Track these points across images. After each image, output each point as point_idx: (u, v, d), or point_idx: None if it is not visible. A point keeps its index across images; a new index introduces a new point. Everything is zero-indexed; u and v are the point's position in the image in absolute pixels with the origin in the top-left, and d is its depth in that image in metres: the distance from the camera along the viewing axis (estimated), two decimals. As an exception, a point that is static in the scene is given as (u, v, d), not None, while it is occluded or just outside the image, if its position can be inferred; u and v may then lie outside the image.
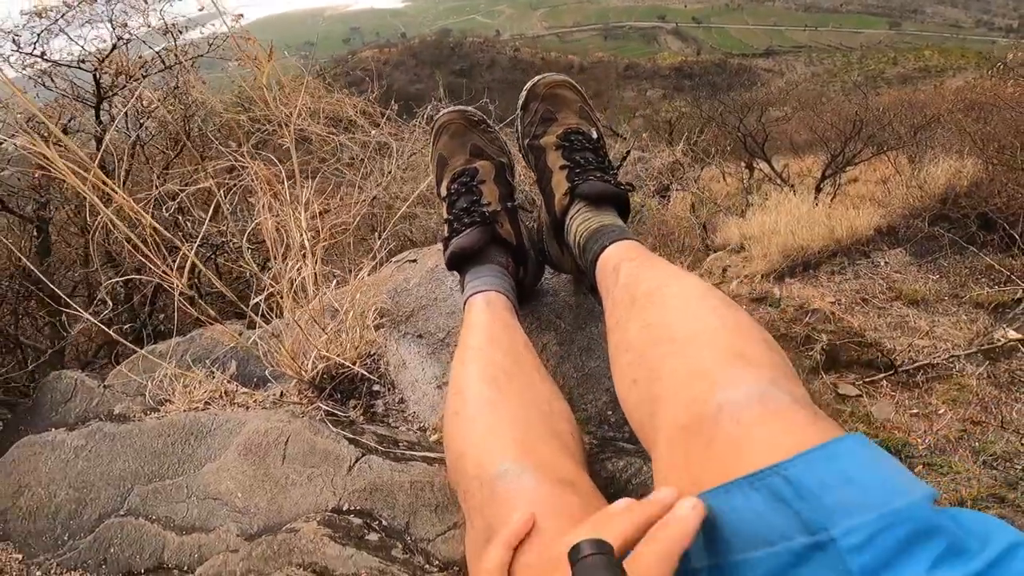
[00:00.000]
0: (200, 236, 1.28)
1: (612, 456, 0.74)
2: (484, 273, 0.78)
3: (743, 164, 6.63)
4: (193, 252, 0.84)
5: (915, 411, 1.95)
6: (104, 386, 1.20)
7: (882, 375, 2.08)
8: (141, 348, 1.16)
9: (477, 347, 0.68)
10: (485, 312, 0.72)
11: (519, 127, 0.86)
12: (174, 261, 0.83)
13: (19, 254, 1.62)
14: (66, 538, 0.96)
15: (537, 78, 0.85)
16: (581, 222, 0.76)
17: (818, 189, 4.63)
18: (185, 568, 0.83)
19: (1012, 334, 2.09)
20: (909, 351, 2.12)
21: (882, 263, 2.62)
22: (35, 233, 1.90)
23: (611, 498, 0.67)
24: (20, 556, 0.97)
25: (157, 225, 0.77)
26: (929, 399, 1.97)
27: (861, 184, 5.10)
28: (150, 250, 0.79)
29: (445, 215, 0.83)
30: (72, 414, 1.19)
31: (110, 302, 1.72)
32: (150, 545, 0.87)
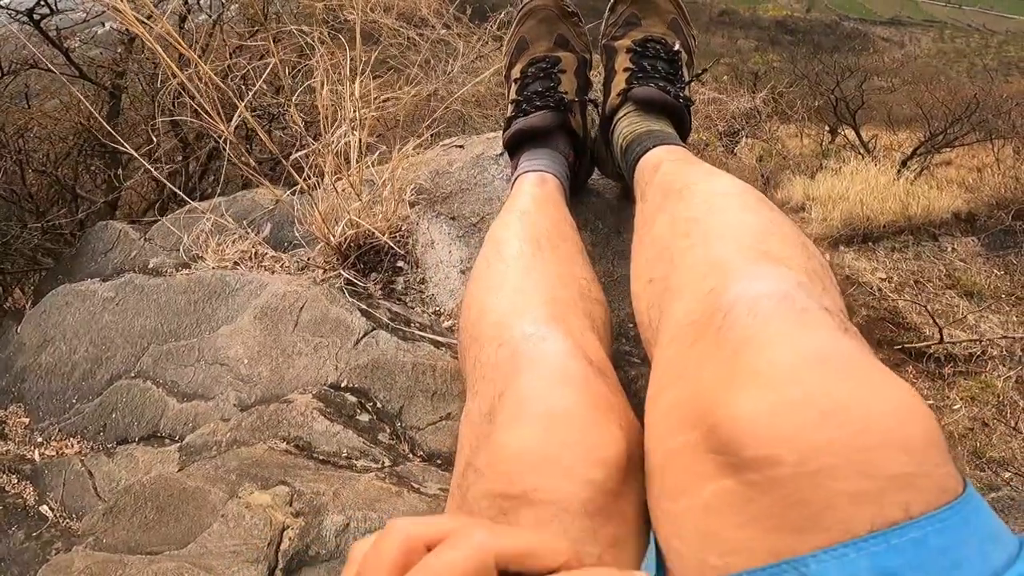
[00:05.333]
0: (259, 107, 1.32)
1: (624, 366, 0.72)
2: (543, 156, 0.76)
3: (827, 127, 6.18)
4: (249, 115, 0.87)
5: (931, 402, 1.90)
6: (145, 239, 1.19)
7: (911, 360, 2.01)
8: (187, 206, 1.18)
9: (524, 210, 0.64)
10: (538, 187, 0.69)
11: (602, 27, 0.84)
12: (230, 120, 0.87)
13: (80, 114, 1.71)
14: (75, 401, 0.95)
15: None
16: (627, 124, 0.74)
17: (904, 164, 4.29)
18: (176, 437, 0.83)
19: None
20: (946, 340, 2.03)
21: (949, 248, 2.45)
22: (107, 99, 1.98)
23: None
24: (27, 420, 0.96)
25: (213, 76, 0.80)
26: (949, 392, 1.92)
27: (953, 168, 4.70)
28: (210, 107, 0.82)
29: (514, 96, 0.81)
30: (110, 265, 1.18)
31: (165, 162, 1.82)
32: (150, 411, 0.87)
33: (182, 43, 0.80)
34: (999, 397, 1.90)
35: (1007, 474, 1.63)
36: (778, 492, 0.29)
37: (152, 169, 0.95)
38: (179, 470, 0.75)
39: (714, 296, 0.39)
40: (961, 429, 1.82)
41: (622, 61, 0.78)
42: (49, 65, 1.60)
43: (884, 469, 0.28)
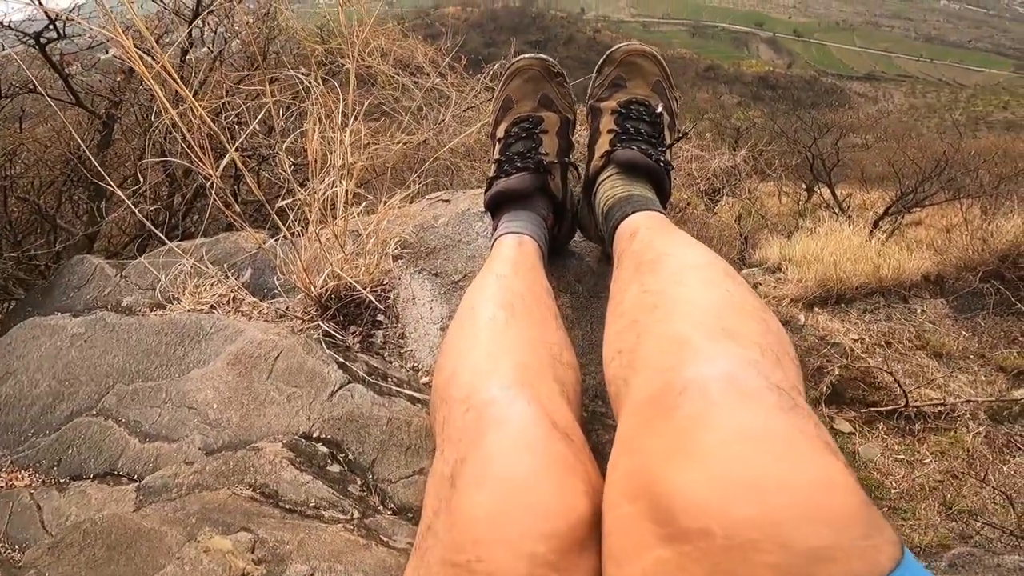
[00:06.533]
0: (250, 147, 1.33)
1: (598, 429, 0.72)
2: (523, 218, 0.76)
3: (803, 186, 6.39)
4: (239, 158, 0.88)
5: (901, 456, 1.95)
6: (121, 276, 1.17)
7: (881, 417, 2.06)
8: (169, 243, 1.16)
9: (500, 274, 0.65)
10: (515, 249, 0.70)
11: (589, 89, 0.85)
12: (218, 163, 0.87)
13: (71, 143, 1.70)
14: (31, 434, 0.93)
15: (620, 44, 0.84)
16: (609, 188, 0.75)
17: (876, 224, 4.44)
18: (135, 476, 0.81)
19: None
20: (916, 399, 2.09)
21: (918, 310, 2.54)
22: (100, 128, 1.97)
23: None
24: (-21, 451, 0.92)
25: (206, 116, 0.81)
26: (919, 448, 1.97)
27: (923, 229, 4.87)
28: (197, 146, 0.82)
29: (496, 156, 0.82)
30: (82, 300, 1.16)
31: (151, 198, 1.82)
32: (109, 449, 0.85)
33: (179, 81, 0.81)
34: (968, 451, 1.95)
35: (978, 524, 1.65)
36: (709, 562, 0.31)
37: (134, 208, 0.95)
38: (135, 510, 0.73)
39: (671, 374, 0.41)
40: (932, 482, 1.86)
41: (606, 122, 0.80)
42: (43, 92, 1.60)
43: (803, 542, 0.29)
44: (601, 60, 0.84)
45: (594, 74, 0.85)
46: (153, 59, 0.84)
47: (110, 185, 0.92)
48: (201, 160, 0.83)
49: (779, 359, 0.43)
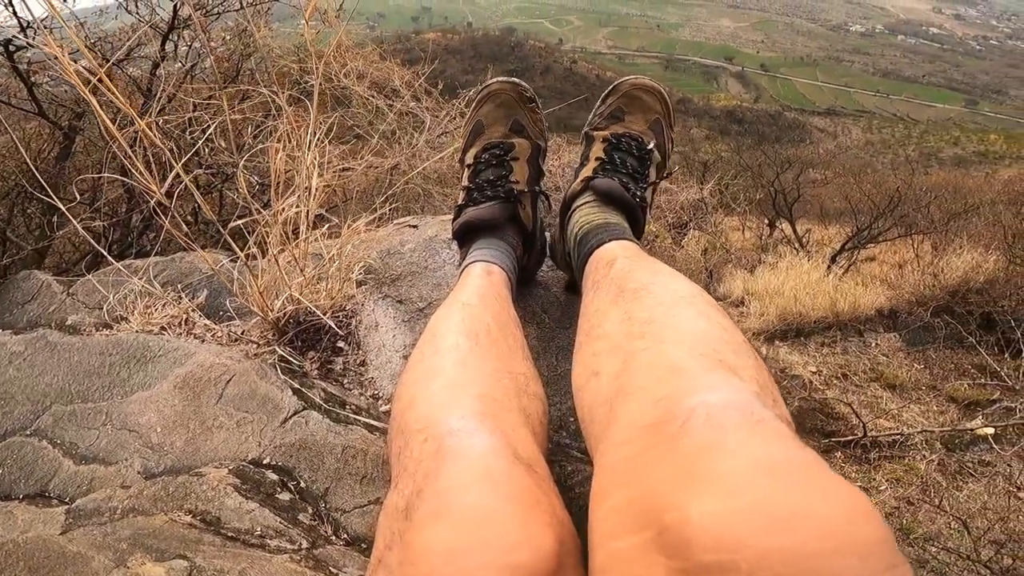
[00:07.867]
0: (215, 164, 1.30)
1: (562, 460, 0.71)
2: (492, 247, 0.75)
3: (766, 221, 6.59)
4: (200, 176, 0.86)
5: (858, 484, 1.99)
6: (68, 293, 1.14)
7: (839, 446, 2.11)
8: (120, 262, 1.11)
9: (466, 302, 0.63)
10: (483, 278, 0.69)
11: (590, 116, 0.86)
12: (176, 181, 0.84)
13: (27, 153, 1.64)
14: None
15: (630, 76, 0.85)
16: (585, 214, 0.74)
17: (833, 260, 4.61)
18: (66, 499, 0.78)
19: (978, 425, 2.13)
20: (872, 429, 2.16)
21: (873, 344, 2.65)
22: (61, 140, 1.91)
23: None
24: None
25: (150, 133, 0.79)
26: (875, 475, 2.02)
27: (877, 265, 5.06)
28: (142, 165, 0.78)
29: (465, 183, 0.81)
30: (25, 317, 1.13)
31: (108, 213, 1.75)
32: (41, 470, 0.82)
33: (120, 96, 0.78)
34: (923, 479, 2.01)
35: (933, 549, 1.69)
36: None
37: (78, 225, 0.90)
38: (62, 533, 0.69)
39: (670, 402, 0.39)
40: (887, 508, 1.91)
41: (596, 151, 0.80)
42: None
43: (835, 575, 0.28)
44: (607, 89, 0.85)
45: (598, 102, 0.85)
46: (119, 71, 0.80)
47: (52, 199, 0.88)
48: (147, 180, 0.80)
49: (774, 397, 0.43)
